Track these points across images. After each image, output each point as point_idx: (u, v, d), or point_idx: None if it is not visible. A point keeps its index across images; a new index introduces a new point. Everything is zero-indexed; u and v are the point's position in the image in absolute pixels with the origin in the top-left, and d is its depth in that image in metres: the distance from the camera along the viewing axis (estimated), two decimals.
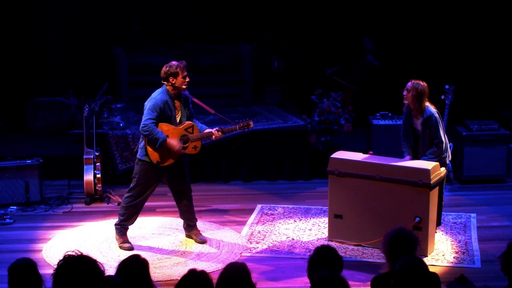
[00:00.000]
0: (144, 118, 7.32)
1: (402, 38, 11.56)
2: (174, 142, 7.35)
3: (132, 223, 7.71)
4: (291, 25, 11.84)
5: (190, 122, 7.51)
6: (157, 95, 7.38)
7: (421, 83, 7.68)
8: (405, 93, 7.73)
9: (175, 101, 7.45)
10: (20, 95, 11.06)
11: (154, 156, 7.39)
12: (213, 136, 7.53)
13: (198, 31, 11.70)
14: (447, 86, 8.87)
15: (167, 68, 7.37)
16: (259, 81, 11.44)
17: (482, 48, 11.61)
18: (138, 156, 7.52)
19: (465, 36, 11.58)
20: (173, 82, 7.36)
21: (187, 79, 7.41)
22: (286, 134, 10.08)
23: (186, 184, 7.69)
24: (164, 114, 7.35)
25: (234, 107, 10.82)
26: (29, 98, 10.88)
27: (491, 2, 11.57)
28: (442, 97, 8.97)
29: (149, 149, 7.38)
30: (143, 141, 7.42)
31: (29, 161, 9.06)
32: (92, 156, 9.06)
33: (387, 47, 11.36)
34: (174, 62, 7.41)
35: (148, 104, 7.37)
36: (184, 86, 7.40)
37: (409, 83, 7.72)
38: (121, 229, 7.67)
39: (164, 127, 7.35)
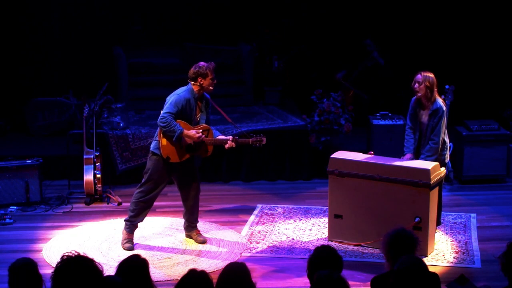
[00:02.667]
0: (163, 111, 7.32)
1: (402, 38, 11.55)
2: (191, 132, 7.34)
3: (142, 220, 7.69)
4: (292, 25, 11.83)
5: (206, 125, 7.51)
6: (181, 92, 7.40)
7: (430, 74, 7.75)
8: (416, 85, 7.73)
9: (198, 102, 7.47)
10: (20, 95, 11.05)
11: (165, 151, 7.38)
12: (226, 146, 7.54)
13: (198, 31, 11.69)
14: (447, 86, 8.85)
15: (197, 69, 7.39)
16: (259, 81, 11.42)
17: (482, 48, 11.60)
18: (151, 148, 7.52)
19: (466, 36, 11.57)
20: (201, 82, 7.38)
21: (215, 81, 7.45)
22: (286, 134, 10.07)
23: (194, 187, 7.69)
24: (184, 112, 7.36)
25: (234, 107, 10.79)
26: (29, 98, 10.87)
27: (491, 2, 11.56)
28: (442, 97, 8.95)
29: (163, 142, 7.37)
30: (158, 135, 7.42)
31: (29, 161, 9.06)
32: (92, 156, 9.06)
33: (387, 47, 11.35)
34: (203, 63, 7.45)
35: (170, 98, 7.38)
36: (211, 88, 7.45)
37: (419, 75, 7.73)
38: (130, 226, 7.65)
39: (181, 124, 7.34)
